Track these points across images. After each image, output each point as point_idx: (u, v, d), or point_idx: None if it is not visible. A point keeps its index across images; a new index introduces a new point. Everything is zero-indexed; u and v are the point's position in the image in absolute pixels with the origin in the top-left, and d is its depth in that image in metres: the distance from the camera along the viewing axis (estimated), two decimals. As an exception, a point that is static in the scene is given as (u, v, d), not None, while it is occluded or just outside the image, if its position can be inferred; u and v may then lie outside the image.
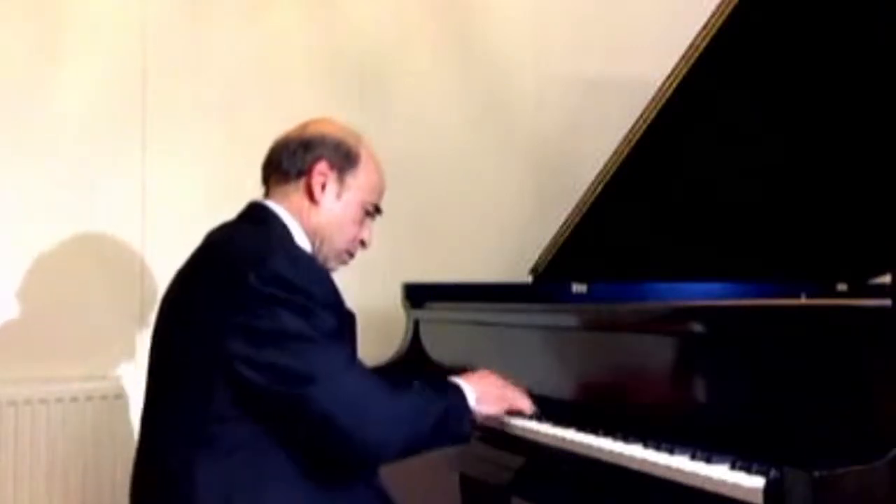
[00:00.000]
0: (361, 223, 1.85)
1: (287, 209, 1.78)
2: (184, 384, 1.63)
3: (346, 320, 1.72)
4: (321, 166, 1.79)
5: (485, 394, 1.81)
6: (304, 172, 1.79)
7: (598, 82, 3.23)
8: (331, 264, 1.84)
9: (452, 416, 1.72)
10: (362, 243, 1.88)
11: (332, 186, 1.80)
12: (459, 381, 1.80)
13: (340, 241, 1.83)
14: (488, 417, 1.84)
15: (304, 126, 1.84)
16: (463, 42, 3.17)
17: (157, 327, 1.75)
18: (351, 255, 1.87)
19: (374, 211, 1.88)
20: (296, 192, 1.79)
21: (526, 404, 1.89)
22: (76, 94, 2.65)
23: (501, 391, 1.87)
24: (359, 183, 1.82)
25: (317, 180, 1.78)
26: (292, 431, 1.59)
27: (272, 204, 1.79)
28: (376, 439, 1.61)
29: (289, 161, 1.80)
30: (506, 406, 1.87)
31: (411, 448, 1.68)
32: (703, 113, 2.08)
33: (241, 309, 1.58)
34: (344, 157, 1.81)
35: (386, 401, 1.63)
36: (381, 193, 1.89)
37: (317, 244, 1.80)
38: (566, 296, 2.48)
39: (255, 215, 1.79)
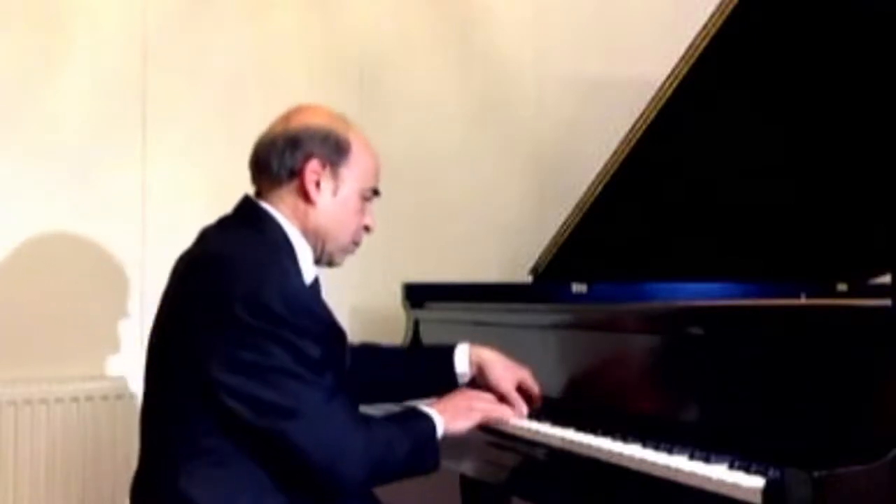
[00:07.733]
0: (362, 211, 1.79)
1: (283, 213, 1.72)
2: (172, 395, 1.62)
3: (334, 341, 1.70)
4: (313, 165, 1.71)
5: (452, 414, 1.76)
6: (296, 173, 1.71)
7: (598, 82, 3.23)
8: (337, 259, 1.80)
9: (418, 448, 1.69)
10: (366, 229, 1.81)
11: (326, 184, 1.72)
12: (428, 408, 1.75)
13: (344, 235, 1.77)
14: (474, 429, 1.81)
15: (287, 119, 1.75)
16: (463, 42, 3.17)
17: (154, 327, 1.71)
18: (357, 244, 1.82)
19: (372, 195, 1.80)
20: (290, 195, 1.72)
21: (504, 412, 1.84)
22: (76, 93, 2.65)
23: (469, 404, 1.81)
24: (354, 174, 1.75)
25: (310, 179, 1.71)
26: (269, 458, 1.59)
27: (268, 207, 1.72)
28: (347, 474, 1.60)
29: (278, 162, 1.71)
30: (477, 417, 1.80)
31: (378, 481, 1.69)
32: (703, 113, 2.08)
33: (227, 338, 1.55)
34: (334, 150, 1.72)
35: (359, 437, 1.60)
36: (377, 175, 1.80)
37: (320, 244, 1.75)
38: (566, 296, 2.47)
39: (252, 217, 1.72)
